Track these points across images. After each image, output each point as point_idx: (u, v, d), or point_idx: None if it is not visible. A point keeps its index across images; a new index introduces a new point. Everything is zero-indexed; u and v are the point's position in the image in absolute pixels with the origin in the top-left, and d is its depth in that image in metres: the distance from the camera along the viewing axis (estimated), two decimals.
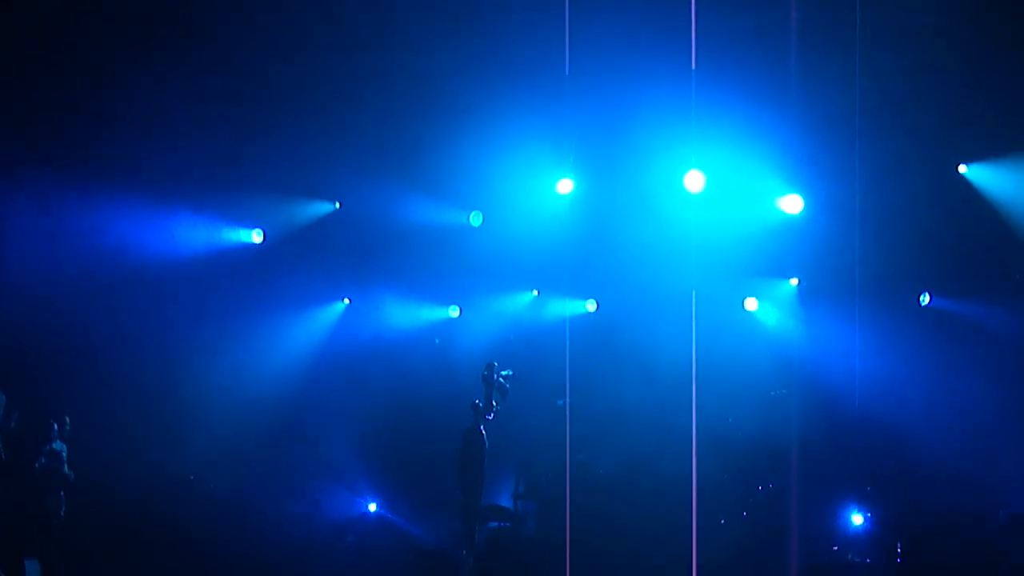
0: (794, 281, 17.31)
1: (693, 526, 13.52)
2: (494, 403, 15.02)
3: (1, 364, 15.99)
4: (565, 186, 17.62)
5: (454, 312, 18.33)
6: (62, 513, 15.36)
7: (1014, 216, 15.37)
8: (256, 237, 17.99)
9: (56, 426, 15.37)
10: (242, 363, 17.64)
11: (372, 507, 17.54)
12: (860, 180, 16.02)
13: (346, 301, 18.38)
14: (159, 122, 17.10)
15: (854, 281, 16.17)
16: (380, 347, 17.97)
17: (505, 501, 17.38)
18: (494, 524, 16.94)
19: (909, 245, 16.11)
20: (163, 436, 16.84)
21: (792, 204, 16.91)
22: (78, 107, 17.06)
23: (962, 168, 15.96)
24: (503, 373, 15.23)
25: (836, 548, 15.85)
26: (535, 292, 18.39)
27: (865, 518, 15.89)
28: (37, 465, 15.25)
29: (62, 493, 15.34)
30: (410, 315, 18.13)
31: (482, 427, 14.95)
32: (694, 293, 13.32)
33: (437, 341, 18.27)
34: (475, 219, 18.18)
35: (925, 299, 16.42)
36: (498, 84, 17.15)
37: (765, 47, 16.23)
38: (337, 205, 18.18)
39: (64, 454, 15.43)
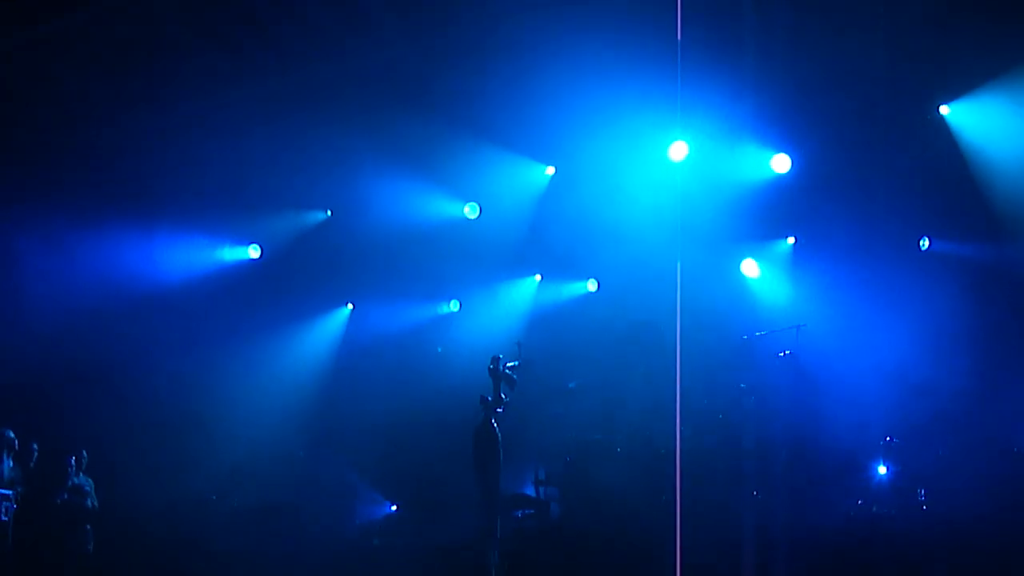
0: (791, 240, 17.24)
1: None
2: (503, 396, 15.05)
3: (18, 400, 16.24)
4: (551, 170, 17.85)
5: (455, 307, 18.43)
6: (90, 547, 15.42)
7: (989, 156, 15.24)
8: (253, 253, 18.16)
9: (73, 460, 15.53)
10: (253, 377, 17.85)
11: (394, 508, 17.67)
12: (845, 131, 16.03)
13: (350, 306, 18.53)
14: (152, 147, 17.34)
15: (851, 235, 16.20)
16: (385, 349, 18.08)
17: (528, 489, 17.42)
18: (519, 513, 16.97)
19: (901, 191, 15.99)
20: (182, 458, 17.03)
21: (780, 163, 16.83)
22: (74, 138, 17.29)
23: (944, 109, 15.83)
24: (509, 364, 15.27)
25: (860, 502, 15.78)
26: (538, 277, 18.46)
27: (888, 469, 15.81)
28: (59, 501, 15.36)
29: (88, 527, 15.42)
30: (412, 314, 18.24)
31: (493, 421, 14.98)
32: (679, 265, 13.32)
33: (439, 349, 18.31)
34: (471, 211, 18.26)
35: (925, 244, 16.31)
36: (479, 65, 17.15)
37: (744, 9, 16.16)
38: (328, 213, 18.30)
39: (87, 487, 15.56)
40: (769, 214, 16.92)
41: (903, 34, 15.19)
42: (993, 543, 13.69)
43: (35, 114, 17.08)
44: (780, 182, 16.76)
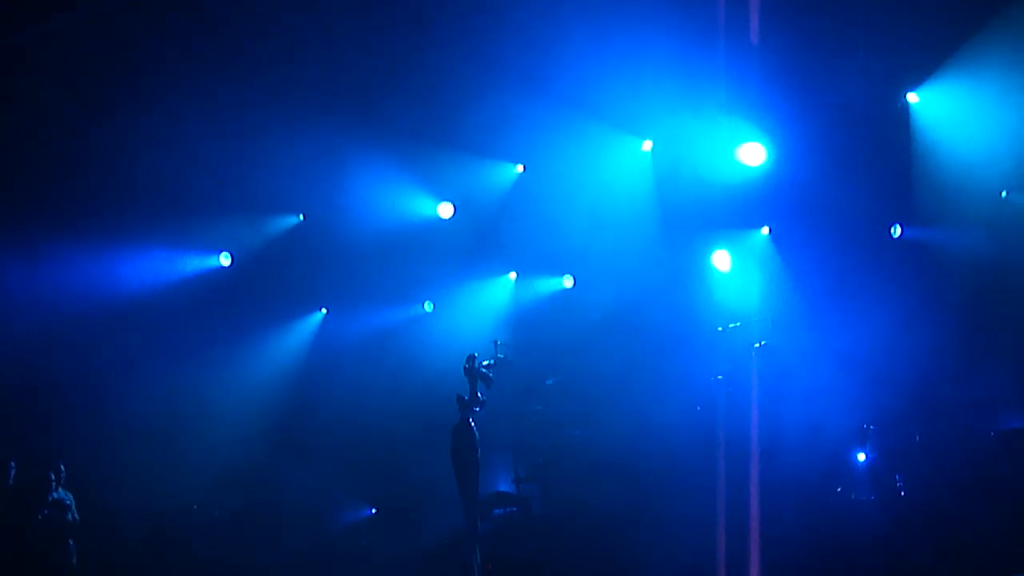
0: (765, 230, 17.23)
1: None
2: (479, 395, 15.04)
3: None
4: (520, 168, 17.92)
5: (429, 308, 18.43)
6: (74, 561, 15.33)
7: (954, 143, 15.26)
8: (224, 260, 18.12)
9: (53, 475, 15.46)
10: (230, 385, 17.79)
11: (374, 511, 17.70)
12: (815, 121, 16.06)
13: (324, 311, 18.52)
14: (121, 157, 17.16)
15: (825, 223, 16.24)
16: (361, 352, 18.07)
17: (508, 487, 17.44)
18: (500, 511, 16.99)
19: (872, 180, 16.01)
20: (161, 468, 16.91)
21: (755, 154, 16.78)
22: (42, 149, 17.07)
23: (912, 97, 15.82)
24: (484, 363, 15.26)
25: (840, 490, 15.84)
26: (513, 275, 18.46)
27: (866, 456, 15.86)
28: (40, 517, 15.28)
29: (71, 541, 15.34)
30: (387, 316, 18.23)
31: (471, 420, 14.98)
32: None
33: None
34: (444, 210, 18.24)
35: (896, 231, 16.30)
36: (446, 65, 17.13)
37: None
38: (301, 217, 18.26)
39: (68, 501, 15.48)
40: (743, 205, 16.93)
41: (873, 24, 15.19)
42: (972, 526, 13.81)
43: (2, 125, 16.95)
44: (754, 173, 16.74)
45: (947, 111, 15.43)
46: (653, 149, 17.28)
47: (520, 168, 17.87)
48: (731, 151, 16.77)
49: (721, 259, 17.29)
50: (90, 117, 16.75)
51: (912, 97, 15.77)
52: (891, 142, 15.80)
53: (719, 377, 16.55)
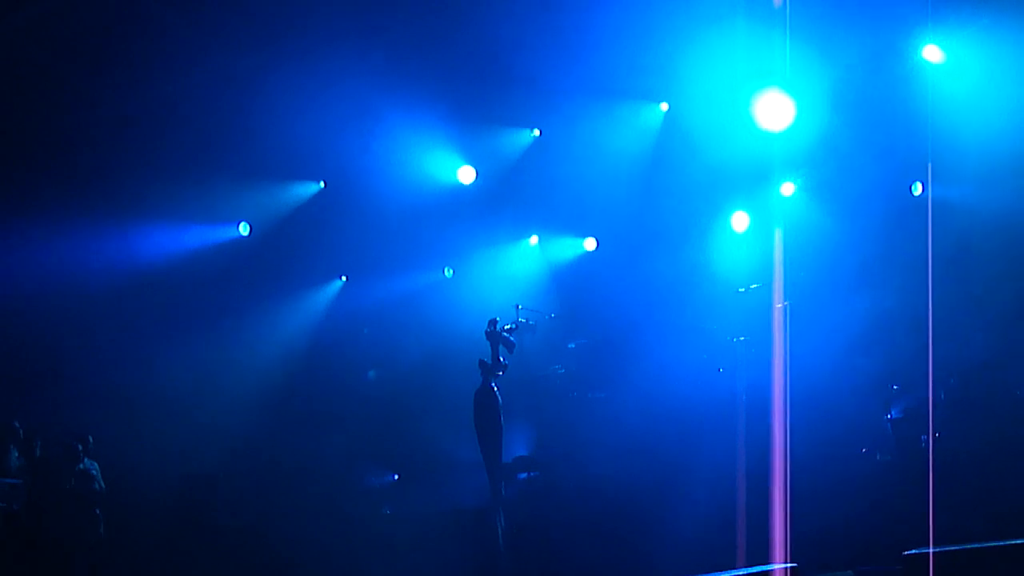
0: (789, 188, 17.01)
1: None
2: (502, 359, 15.02)
3: (16, 389, 16.30)
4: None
5: (449, 274, 18.41)
6: (101, 530, 15.51)
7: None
8: (243, 230, 18.16)
9: (80, 446, 15.59)
10: (251, 354, 17.90)
11: (396, 477, 17.77)
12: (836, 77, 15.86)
13: (343, 279, 18.51)
14: (132, 130, 17.14)
15: (847, 182, 16.08)
16: (383, 318, 18.10)
17: (532, 451, 17.43)
18: (524, 475, 17.01)
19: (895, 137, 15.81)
20: (184, 439, 17.01)
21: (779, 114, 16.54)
22: (53, 119, 17.01)
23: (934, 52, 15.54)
24: (506, 327, 15.23)
25: (864, 450, 15.73)
26: (534, 239, 18.41)
27: (892, 415, 15.75)
28: (67, 487, 15.41)
29: (97, 511, 15.49)
30: (408, 282, 18.23)
31: (493, 384, 14.95)
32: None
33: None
34: (465, 175, 18.17)
35: (917, 189, 16.10)
36: (462, 28, 16.96)
37: None
38: (322, 184, 18.22)
39: (94, 471, 15.63)
40: (764, 164, 16.75)
41: None
42: (995, 489, 13.69)
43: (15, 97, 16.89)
44: (777, 132, 16.52)
45: (974, 65, 15.17)
46: (671, 110, 17.16)
47: (537, 132, 17.83)
48: (750, 111, 16.62)
49: (739, 220, 17.18)
50: (105, 85, 16.68)
51: (936, 52, 15.51)
52: (914, 98, 15.56)
53: (740, 339, 16.50)
